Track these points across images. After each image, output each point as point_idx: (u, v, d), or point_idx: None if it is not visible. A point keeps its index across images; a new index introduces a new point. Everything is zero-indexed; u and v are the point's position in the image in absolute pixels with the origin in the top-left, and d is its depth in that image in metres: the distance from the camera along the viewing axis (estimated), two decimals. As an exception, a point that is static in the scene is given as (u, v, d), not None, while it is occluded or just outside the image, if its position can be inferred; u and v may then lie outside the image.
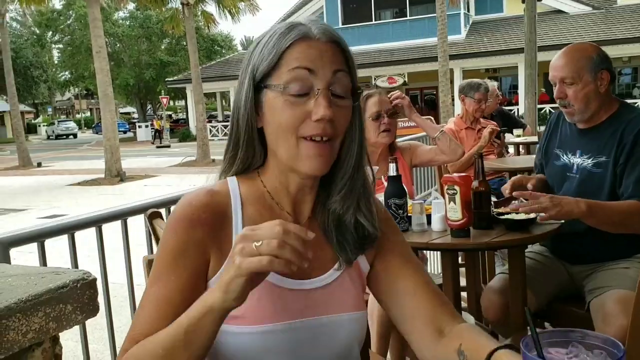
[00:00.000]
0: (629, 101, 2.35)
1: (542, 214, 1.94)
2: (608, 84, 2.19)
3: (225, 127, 30.02)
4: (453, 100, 17.19)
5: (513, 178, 2.32)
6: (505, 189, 2.25)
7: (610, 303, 1.96)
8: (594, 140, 2.22)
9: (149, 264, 1.28)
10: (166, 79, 33.52)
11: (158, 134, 32.02)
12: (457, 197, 1.97)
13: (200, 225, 0.97)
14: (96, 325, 2.50)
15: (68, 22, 39.21)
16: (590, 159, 2.21)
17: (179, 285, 0.95)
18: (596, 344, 0.66)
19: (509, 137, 5.71)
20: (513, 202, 2.22)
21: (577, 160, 2.26)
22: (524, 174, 4.06)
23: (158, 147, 29.13)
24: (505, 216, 2.10)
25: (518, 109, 19.97)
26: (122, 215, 2.19)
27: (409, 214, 2.15)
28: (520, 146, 6.07)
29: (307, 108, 0.95)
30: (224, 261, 0.97)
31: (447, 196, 2.01)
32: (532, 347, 0.66)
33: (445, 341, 0.99)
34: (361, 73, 17.63)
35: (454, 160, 2.93)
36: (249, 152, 1.02)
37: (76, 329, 2.18)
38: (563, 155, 2.32)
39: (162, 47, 40.09)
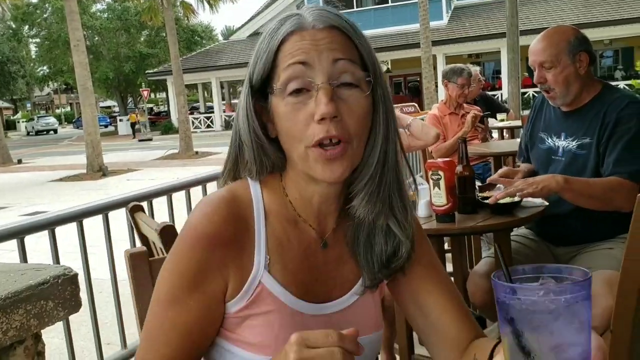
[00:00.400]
0: (611, 84, 2.36)
1: (523, 193, 1.96)
2: (587, 65, 2.19)
3: (208, 118, 29.86)
4: (436, 86, 17.25)
5: (500, 170, 2.32)
6: (493, 180, 2.25)
7: (596, 284, 1.95)
8: (578, 122, 2.23)
9: (131, 258, 1.25)
10: (146, 72, 33.13)
11: (134, 127, 31.86)
12: (442, 182, 1.97)
13: (222, 244, 0.87)
14: (82, 322, 2.48)
15: (45, 15, 38.57)
16: (575, 141, 2.22)
17: (197, 312, 0.87)
18: (565, 276, 0.68)
19: (492, 122, 5.73)
20: (498, 186, 2.23)
21: (562, 143, 2.26)
22: (507, 158, 4.12)
23: (140, 140, 28.86)
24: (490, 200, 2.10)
25: (501, 94, 20.06)
26: (103, 210, 2.16)
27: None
28: (504, 130, 6.09)
29: (309, 109, 0.85)
30: (244, 280, 0.89)
31: (431, 182, 2.01)
32: (502, 278, 0.68)
33: (464, 358, 0.96)
34: (343, 61, 17.50)
35: (429, 143, 2.95)
36: (262, 163, 0.92)
37: (61, 326, 2.16)
38: (548, 139, 2.33)
39: (141, 39, 39.63)
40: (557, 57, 2.17)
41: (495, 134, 5.99)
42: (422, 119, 4.66)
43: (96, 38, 38.27)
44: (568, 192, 2.04)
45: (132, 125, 32.14)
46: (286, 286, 0.91)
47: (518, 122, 5.86)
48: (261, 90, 0.89)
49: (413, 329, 1.06)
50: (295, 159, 0.89)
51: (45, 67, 43.24)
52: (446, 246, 3.14)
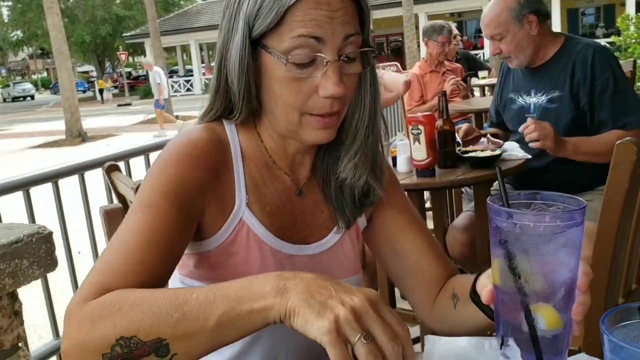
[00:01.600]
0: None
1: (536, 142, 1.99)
2: (538, 24, 2.21)
3: (188, 82, 29.43)
4: (419, 46, 17.07)
5: (464, 126, 2.36)
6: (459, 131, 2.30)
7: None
8: (545, 76, 2.26)
9: (106, 214, 1.23)
10: (123, 34, 32.46)
11: (102, 93, 32.08)
12: (422, 137, 1.97)
13: (205, 169, 0.86)
14: (66, 285, 2.46)
15: (15, -23, 37.37)
16: (544, 96, 2.26)
17: (175, 223, 0.80)
18: (559, 203, 0.69)
19: (474, 81, 5.73)
20: (481, 140, 2.24)
21: (533, 99, 2.29)
22: (488, 114, 4.13)
23: (119, 105, 28.44)
24: (470, 154, 2.10)
25: (483, 53, 20.00)
26: (78, 170, 2.12)
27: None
28: (486, 88, 6.11)
29: (313, 82, 0.83)
30: (226, 215, 0.89)
31: (411, 136, 2.00)
32: (497, 202, 0.69)
33: (441, 294, 0.98)
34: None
35: (401, 93, 2.93)
36: (244, 108, 0.89)
37: (40, 287, 2.15)
38: (518, 98, 2.36)
39: (118, 1, 38.61)
40: (505, 27, 2.20)
41: (476, 92, 6.00)
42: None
43: (70, 0, 37.21)
44: (576, 156, 2.08)
45: (100, 91, 32.41)
46: (266, 225, 0.92)
47: (499, 80, 5.86)
48: (256, 39, 0.85)
49: (391, 278, 1.07)
50: (281, 120, 0.88)
51: (19, 32, 42.01)
52: (428, 205, 3.16)
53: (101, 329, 0.68)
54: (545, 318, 0.67)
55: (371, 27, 0.90)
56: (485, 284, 0.78)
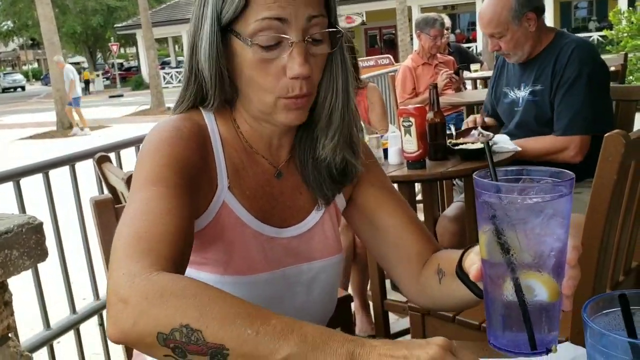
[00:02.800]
0: (584, 35, 2.40)
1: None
2: (536, 21, 2.22)
3: (180, 73, 29.24)
4: (412, 38, 17.05)
5: (469, 118, 2.45)
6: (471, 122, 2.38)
7: (566, 228, 2.02)
8: (532, 70, 2.29)
9: (96, 205, 1.23)
10: (115, 25, 32.20)
11: (88, 84, 32.12)
12: (413, 129, 1.97)
13: (193, 147, 0.87)
14: (57, 275, 2.46)
15: (5, -34, 36.95)
16: (529, 88, 2.28)
17: (183, 193, 0.80)
18: (544, 177, 0.69)
19: (466, 74, 5.74)
20: (472, 133, 2.25)
21: (522, 93, 2.33)
22: (481, 107, 4.15)
23: (111, 97, 28.29)
24: (461, 146, 2.11)
25: (476, 46, 19.99)
26: (69, 161, 2.11)
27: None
28: (478, 81, 6.12)
29: (280, 62, 0.85)
30: (210, 197, 0.90)
31: (402, 128, 2.01)
32: (485, 177, 0.69)
33: (425, 268, 0.99)
34: (317, 13, 17.25)
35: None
36: (219, 96, 0.91)
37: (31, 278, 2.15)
38: (510, 92, 2.39)
39: (109, -9, 38.28)
40: (505, 26, 2.22)
41: (468, 85, 6.01)
42: (396, 71, 4.66)
43: (61, -10, 36.87)
44: (524, 157, 2.14)
45: (86, 82, 32.39)
46: (247, 208, 0.94)
47: (490, 73, 5.87)
48: (225, 25, 0.87)
49: (374, 256, 1.08)
50: (255, 103, 0.91)
51: (9, 22, 41.58)
52: (420, 197, 3.17)
53: (169, 307, 0.64)
54: (540, 285, 0.67)
55: (338, 11, 0.92)
56: (474, 261, 0.79)
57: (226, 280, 0.91)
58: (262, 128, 0.96)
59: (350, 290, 2.55)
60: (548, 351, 0.68)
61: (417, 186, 3.24)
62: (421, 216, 2.71)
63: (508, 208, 0.65)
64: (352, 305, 2.22)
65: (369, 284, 2.52)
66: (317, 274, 1.00)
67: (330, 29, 0.89)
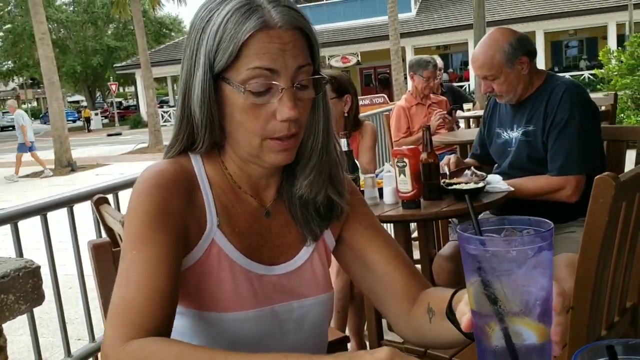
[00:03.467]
0: (575, 73, 2.45)
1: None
2: (529, 64, 2.27)
3: (178, 112, 29.46)
4: (406, 77, 17.25)
5: (451, 160, 2.43)
6: (445, 165, 2.36)
7: (560, 267, 2.02)
8: (524, 111, 2.33)
9: (94, 248, 1.24)
10: (114, 65, 32.62)
11: (89, 122, 32.76)
12: (407, 169, 2.00)
13: (175, 192, 0.91)
14: (52, 318, 2.44)
15: (8, 8, 37.55)
16: (521, 129, 2.32)
17: (166, 246, 0.87)
18: (525, 227, 0.72)
19: (459, 113, 5.81)
20: (465, 173, 2.28)
21: (514, 134, 2.36)
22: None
23: (109, 135, 28.45)
24: (454, 186, 2.13)
25: (469, 85, 20.29)
26: (67, 203, 2.12)
27: (361, 189, 2.16)
28: (471, 120, 6.19)
29: (271, 107, 0.90)
30: (199, 235, 0.94)
31: (397, 169, 2.03)
32: (468, 230, 0.71)
33: (416, 307, 1.00)
34: (314, 53, 17.59)
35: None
36: (208, 140, 0.95)
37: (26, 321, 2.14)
38: (503, 133, 2.43)
39: (109, 32, 38.93)
40: (498, 70, 2.25)
41: (462, 124, 6.09)
42: (390, 110, 4.72)
43: (62, 31, 37.45)
44: (517, 195, 2.17)
45: (87, 119, 33.20)
46: (236, 246, 0.96)
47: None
48: (217, 73, 0.91)
49: (365, 293, 1.11)
50: (243, 145, 0.94)
51: (9, 62, 42.06)
52: (416, 234, 3.18)
53: None
54: (528, 330, 0.68)
55: (321, 57, 0.98)
56: (464, 312, 0.80)
57: (215, 317, 0.93)
58: (250, 169, 0.99)
59: (347, 332, 2.54)
60: None
61: (413, 224, 3.25)
62: (417, 254, 2.73)
63: (492, 260, 0.67)
64: (349, 346, 2.21)
65: (365, 325, 2.51)
66: (307, 311, 1.02)
67: (315, 76, 0.94)
